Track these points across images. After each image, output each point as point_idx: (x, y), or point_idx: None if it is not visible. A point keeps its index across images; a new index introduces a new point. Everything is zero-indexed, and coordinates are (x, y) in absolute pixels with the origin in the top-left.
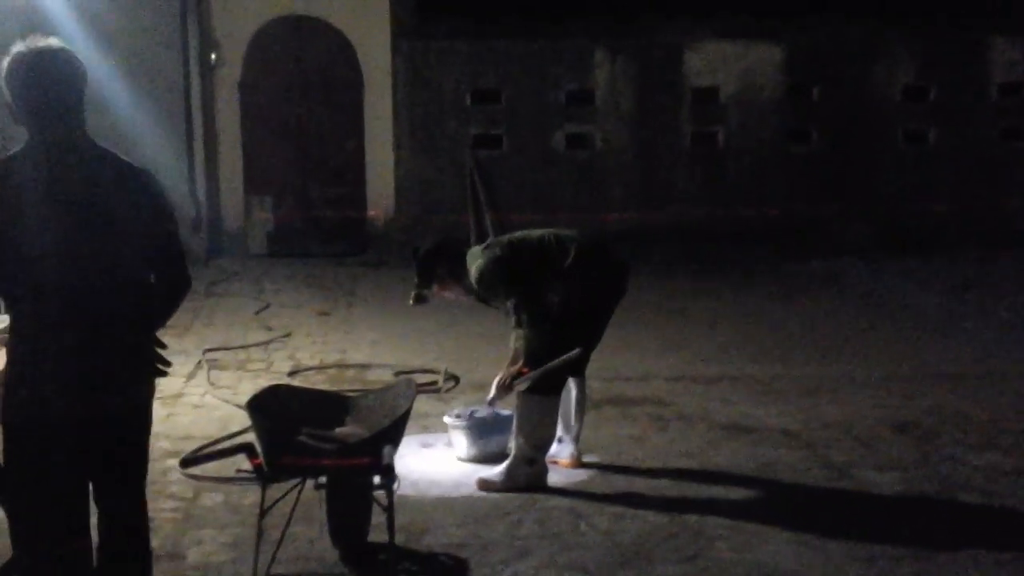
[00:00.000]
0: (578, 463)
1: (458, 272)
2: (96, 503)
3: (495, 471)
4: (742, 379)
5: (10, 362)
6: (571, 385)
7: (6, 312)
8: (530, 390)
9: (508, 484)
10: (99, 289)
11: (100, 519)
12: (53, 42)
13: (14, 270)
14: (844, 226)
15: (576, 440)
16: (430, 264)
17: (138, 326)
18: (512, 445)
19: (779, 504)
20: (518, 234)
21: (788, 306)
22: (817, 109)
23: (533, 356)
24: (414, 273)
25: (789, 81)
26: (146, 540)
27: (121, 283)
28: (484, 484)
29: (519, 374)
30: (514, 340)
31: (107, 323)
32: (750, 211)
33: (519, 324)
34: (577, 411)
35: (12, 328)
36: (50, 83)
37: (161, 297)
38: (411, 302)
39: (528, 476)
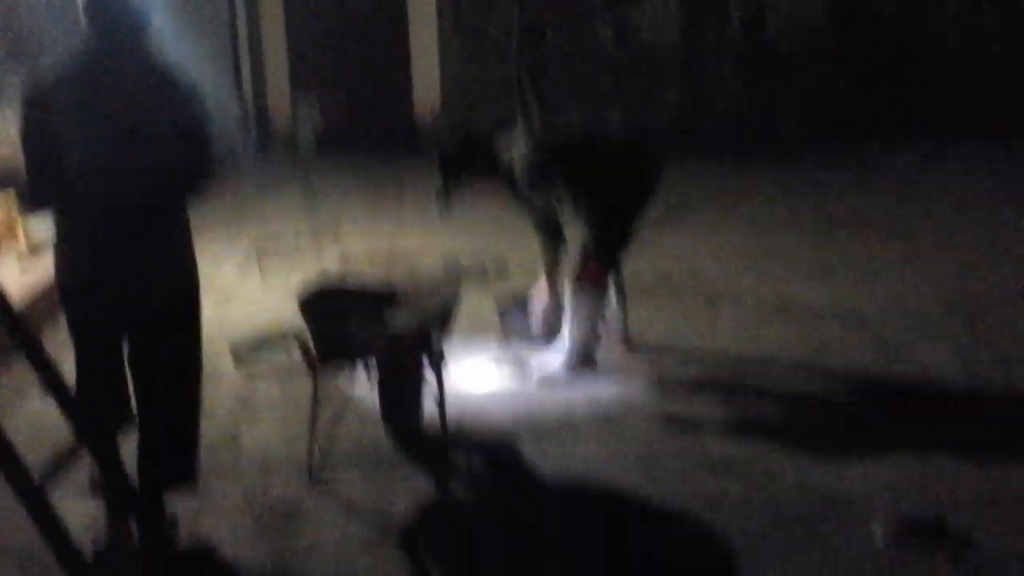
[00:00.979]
0: (629, 348)
1: (493, 164)
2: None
3: (549, 358)
4: (791, 258)
5: (60, 258)
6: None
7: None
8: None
9: (562, 373)
10: (132, 192)
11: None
12: None
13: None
14: (895, 114)
15: (625, 325)
16: (465, 157)
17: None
18: (566, 334)
19: (831, 383)
20: (557, 121)
21: (842, 189)
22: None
23: (601, 243)
24: (439, 175)
25: None
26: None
27: (152, 185)
28: (539, 372)
29: (591, 270)
30: (544, 254)
31: (138, 229)
32: (800, 98)
33: (570, 212)
34: (620, 299)
35: (58, 231)
36: None
37: (183, 184)
38: (437, 204)
39: (582, 363)
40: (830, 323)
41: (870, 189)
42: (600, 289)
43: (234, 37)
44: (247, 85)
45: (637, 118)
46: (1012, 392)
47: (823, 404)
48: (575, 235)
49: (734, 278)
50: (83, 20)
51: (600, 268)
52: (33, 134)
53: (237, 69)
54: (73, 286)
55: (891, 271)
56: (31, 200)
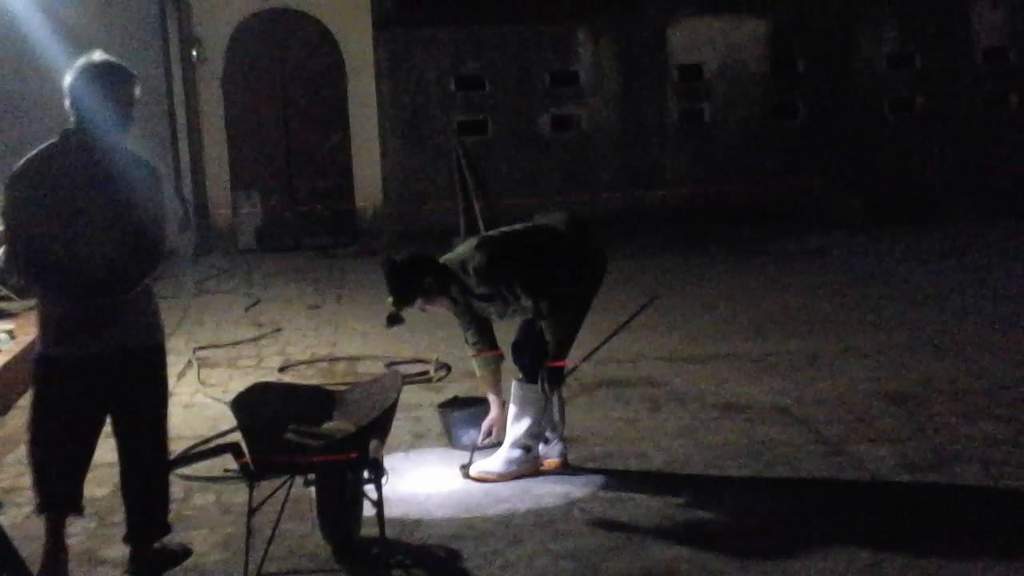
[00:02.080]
0: (565, 463)
1: (444, 282)
2: (119, 441)
3: (490, 461)
4: (735, 357)
5: (40, 318)
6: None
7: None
8: (531, 379)
9: (504, 473)
10: (97, 256)
11: (124, 456)
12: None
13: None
14: (833, 199)
15: (562, 439)
16: (414, 277)
17: (130, 284)
18: (508, 433)
19: (774, 483)
20: (504, 229)
21: (779, 282)
22: (803, 82)
23: (560, 344)
24: (388, 291)
25: (773, 55)
26: (166, 478)
27: (116, 249)
28: (480, 475)
29: (553, 368)
30: (479, 369)
31: (103, 284)
32: (739, 188)
33: (536, 314)
34: (560, 409)
35: (39, 297)
36: (109, 93)
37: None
38: (387, 325)
39: (524, 464)
40: (771, 421)
41: (809, 280)
42: (558, 383)
43: (174, 134)
44: (187, 182)
45: (580, 207)
46: (952, 491)
47: (765, 506)
48: (527, 328)
49: (677, 379)
50: (69, 110)
51: (560, 360)
52: (17, 211)
53: (177, 166)
54: (57, 358)
55: (831, 366)
56: (17, 275)
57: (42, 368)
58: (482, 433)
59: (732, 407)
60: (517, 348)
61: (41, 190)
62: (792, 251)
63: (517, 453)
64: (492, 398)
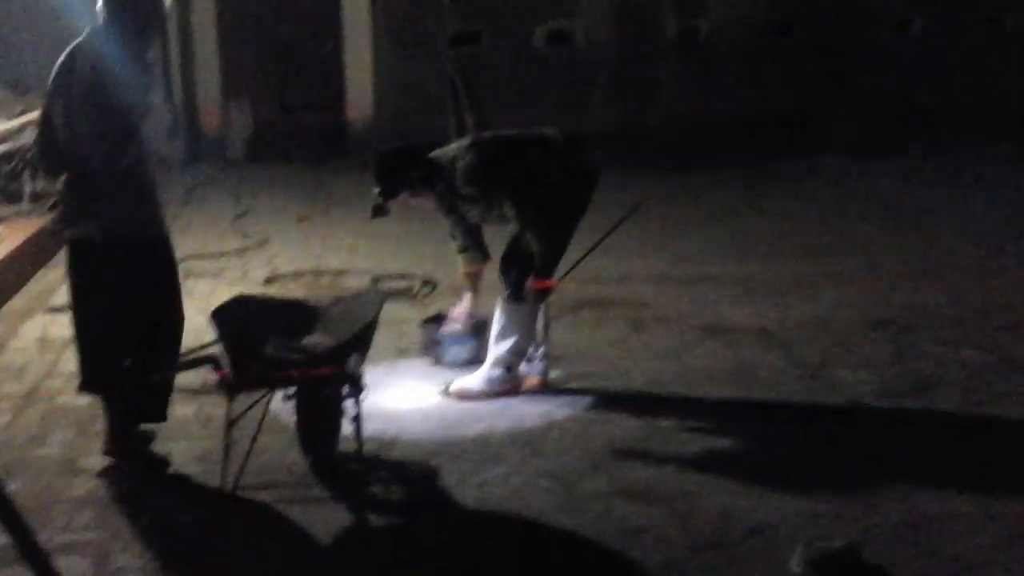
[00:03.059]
0: (545, 382)
1: (432, 177)
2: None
3: (471, 378)
4: (720, 279)
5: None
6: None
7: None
8: (516, 297)
9: (485, 391)
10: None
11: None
12: None
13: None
14: (829, 122)
15: (545, 358)
16: (402, 169)
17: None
18: (490, 351)
19: (753, 406)
20: (499, 132)
21: (769, 203)
22: (800, 1)
23: (546, 261)
24: (374, 181)
25: None
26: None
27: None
28: (460, 392)
29: (539, 279)
30: (463, 264)
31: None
32: (733, 107)
33: (521, 224)
34: (544, 328)
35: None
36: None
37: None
38: (370, 216)
39: (505, 383)
40: (754, 344)
41: (799, 202)
42: (542, 300)
43: (164, 44)
44: (177, 92)
45: (573, 123)
46: (930, 417)
47: (744, 428)
48: (515, 244)
49: (662, 299)
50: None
51: (547, 277)
52: (44, 106)
53: (167, 76)
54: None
55: (816, 290)
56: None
57: (66, 250)
58: (450, 321)
59: (715, 329)
60: (505, 262)
61: (53, 81)
62: (784, 172)
63: (498, 372)
64: (467, 294)
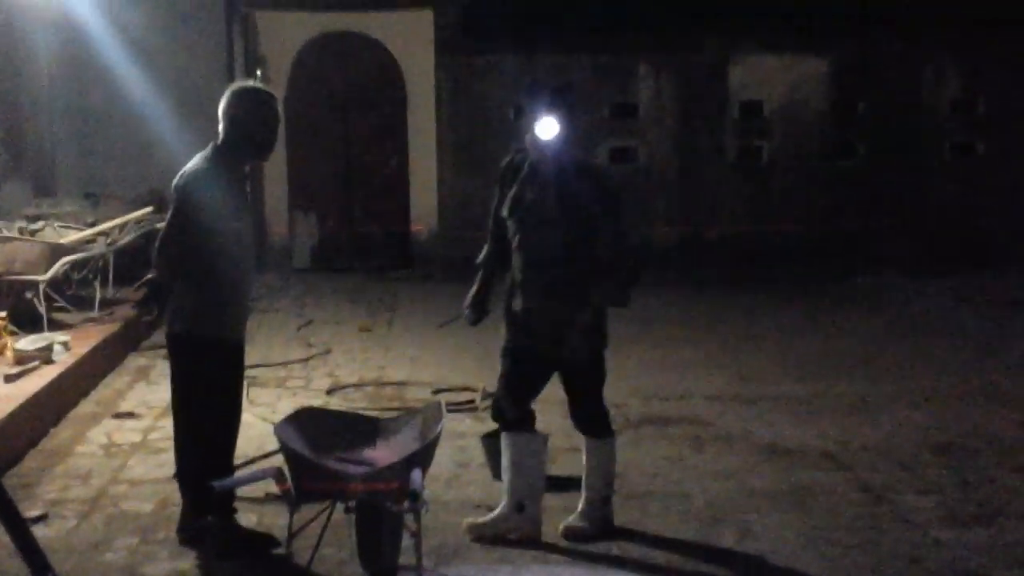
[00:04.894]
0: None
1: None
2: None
3: (486, 516)
4: (782, 398)
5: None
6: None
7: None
8: (504, 428)
9: (495, 531)
10: None
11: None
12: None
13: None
14: (889, 242)
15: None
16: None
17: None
18: (504, 488)
19: (816, 529)
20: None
21: (831, 323)
22: (863, 123)
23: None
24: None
25: (834, 95)
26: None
27: None
28: (473, 529)
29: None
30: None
31: None
32: (794, 227)
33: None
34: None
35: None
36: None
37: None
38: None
39: (517, 523)
40: (815, 467)
41: (861, 323)
42: (523, 434)
43: None
44: None
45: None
46: (998, 546)
47: (807, 555)
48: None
49: (724, 418)
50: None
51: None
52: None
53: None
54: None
55: (878, 412)
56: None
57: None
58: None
59: (777, 450)
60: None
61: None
62: (845, 292)
63: (511, 511)
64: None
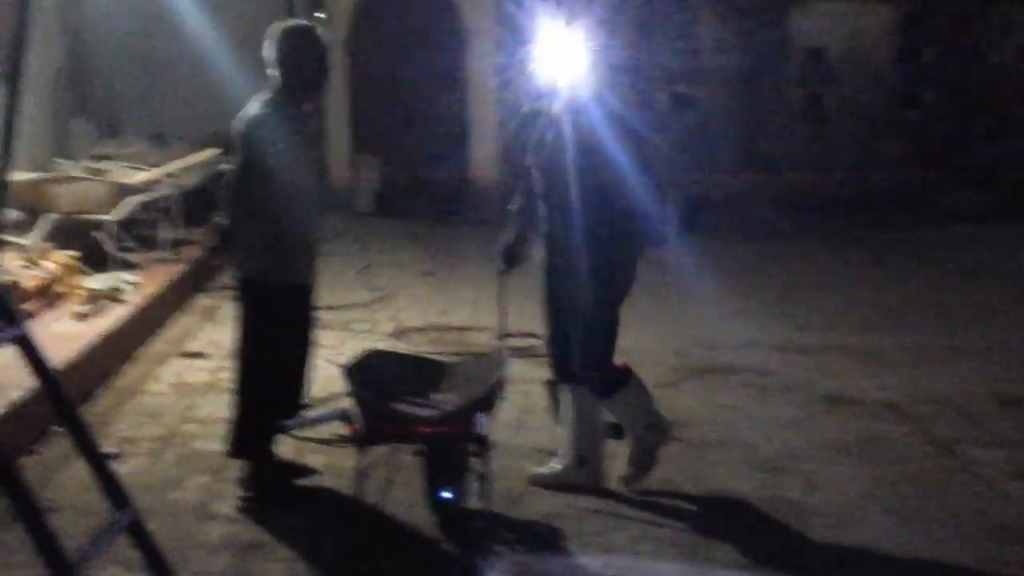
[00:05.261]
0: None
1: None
2: None
3: (548, 466)
4: (846, 349)
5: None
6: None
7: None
8: (574, 381)
9: (558, 482)
10: None
11: None
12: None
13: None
14: (955, 192)
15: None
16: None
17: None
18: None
19: (881, 481)
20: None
21: (894, 274)
22: (928, 71)
23: (585, 349)
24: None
25: (899, 42)
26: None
27: None
28: (535, 479)
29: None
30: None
31: None
32: (858, 176)
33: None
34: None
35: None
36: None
37: None
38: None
39: (579, 475)
40: (882, 418)
41: (925, 273)
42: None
43: None
44: None
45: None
46: None
47: (875, 504)
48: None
49: (786, 368)
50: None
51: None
52: None
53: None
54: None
55: (944, 364)
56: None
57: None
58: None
59: (840, 400)
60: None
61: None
62: (910, 243)
63: (573, 463)
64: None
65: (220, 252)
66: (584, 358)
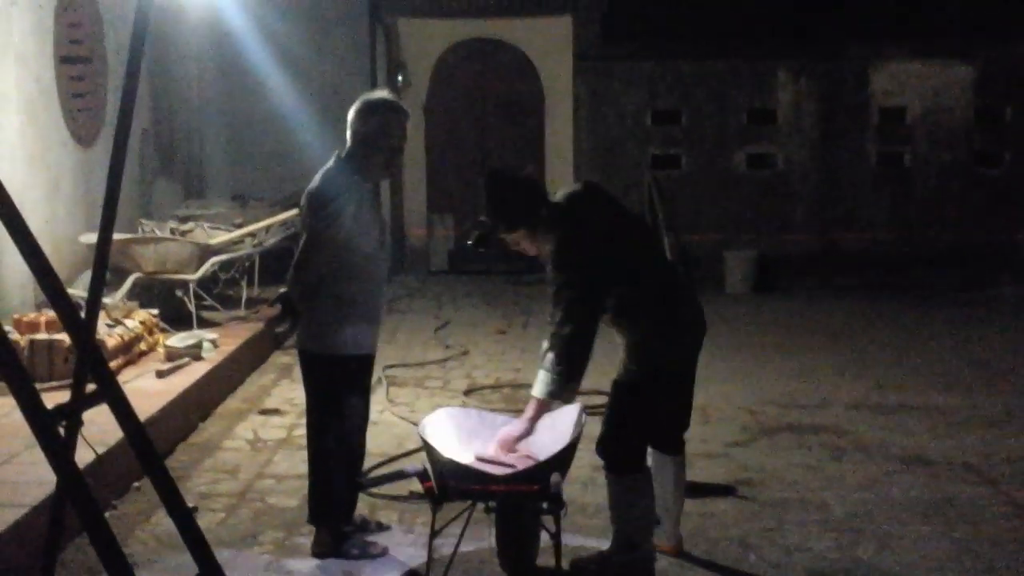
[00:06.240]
0: (678, 549)
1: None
2: None
3: (595, 554)
4: (923, 409)
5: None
6: (667, 463)
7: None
8: (608, 469)
9: (603, 571)
10: None
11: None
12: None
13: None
14: None
15: (676, 523)
16: (531, 201)
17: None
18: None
19: (957, 543)
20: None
21: (974, 333)
22: (1009, 130)
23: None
24: (490, 206)
25: (979, 102)
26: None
27: None
28: (579, 567)
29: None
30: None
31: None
32: (936, 235)
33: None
34: (675, 492)
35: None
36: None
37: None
38: (472, 245)
39: (630, 563)
40: (959, 479)
41: (1006, 333)
42: (631, 476)
43: None
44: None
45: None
46: None
47: (949, 567)
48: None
49: (862, 427)
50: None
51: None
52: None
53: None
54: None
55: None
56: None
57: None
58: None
59: (918, 461)
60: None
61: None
62: (989, 302)
63: (622, 551)
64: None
65: (283, 323)
66: (604, 433)
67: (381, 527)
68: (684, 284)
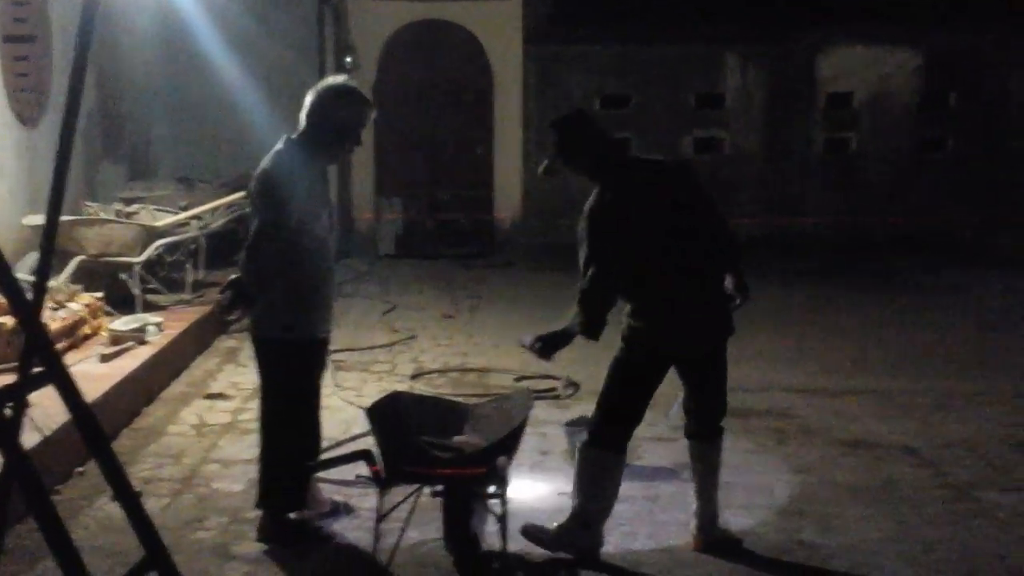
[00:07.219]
0: (698, 545)
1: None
2: None
3: (549, 526)
4: (866, 393)
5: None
6: (705, 449)
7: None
8: (587, 441)
9: (554, 545)
10: None
11: None
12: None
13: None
14: (978, 236)
15: (698, 517)
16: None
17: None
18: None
19: (898, 524)
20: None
21: (917, 318)
22: (953, 115)
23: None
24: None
25: (925, 87)
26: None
27: None
28: (530, 533)
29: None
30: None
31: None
32: (881, 219)
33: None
34: (710, 477)
35: None
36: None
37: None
38: (540, 170)
39: (580, 540)
40: (899, 462)
41: (948, 318)
42: (609, 453)
43: None
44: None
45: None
46: None
47: (890, 548)
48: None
49: (806, 411)
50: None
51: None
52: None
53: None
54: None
55: (964, 409)
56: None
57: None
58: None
59: (860, 444)
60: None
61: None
62: (933, 287)
63: (576, 527)
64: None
65: (233, 311)
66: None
67: (349, 510)
68: (695, 287)
